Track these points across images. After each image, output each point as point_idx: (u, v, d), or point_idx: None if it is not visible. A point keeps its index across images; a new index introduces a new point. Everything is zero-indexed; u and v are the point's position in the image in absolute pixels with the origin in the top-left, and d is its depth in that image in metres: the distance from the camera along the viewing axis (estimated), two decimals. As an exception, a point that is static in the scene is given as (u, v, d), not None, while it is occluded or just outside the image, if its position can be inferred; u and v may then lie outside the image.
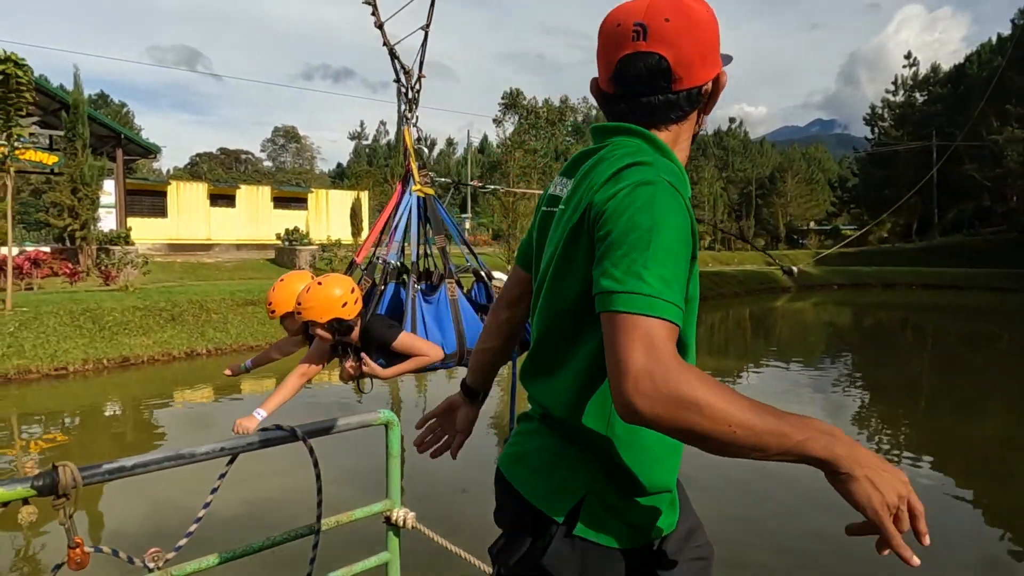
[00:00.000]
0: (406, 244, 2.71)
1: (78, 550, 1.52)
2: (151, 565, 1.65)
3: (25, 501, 1.48)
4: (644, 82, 1.11)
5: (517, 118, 58.67)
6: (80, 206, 18.04)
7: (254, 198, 31.57)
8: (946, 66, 50.41)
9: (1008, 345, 16.89)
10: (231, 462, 1.81)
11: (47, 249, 18.35)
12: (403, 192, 2.72)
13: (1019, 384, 11.41)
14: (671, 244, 0.93)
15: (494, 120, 61.03)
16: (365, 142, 75.96)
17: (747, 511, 5.46)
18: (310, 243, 25.89)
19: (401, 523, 2.05)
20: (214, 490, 1.78)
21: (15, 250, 15.40)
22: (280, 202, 32.48)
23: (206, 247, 28.10)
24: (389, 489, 2.09)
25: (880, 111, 53.50)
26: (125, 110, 62.31)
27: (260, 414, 2.44)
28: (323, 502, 1.87)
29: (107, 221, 20.85)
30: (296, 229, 26.78)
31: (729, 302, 26.93)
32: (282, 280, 2.64)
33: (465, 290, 2.71)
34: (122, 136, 22.04)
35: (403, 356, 2.40)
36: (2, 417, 8.99)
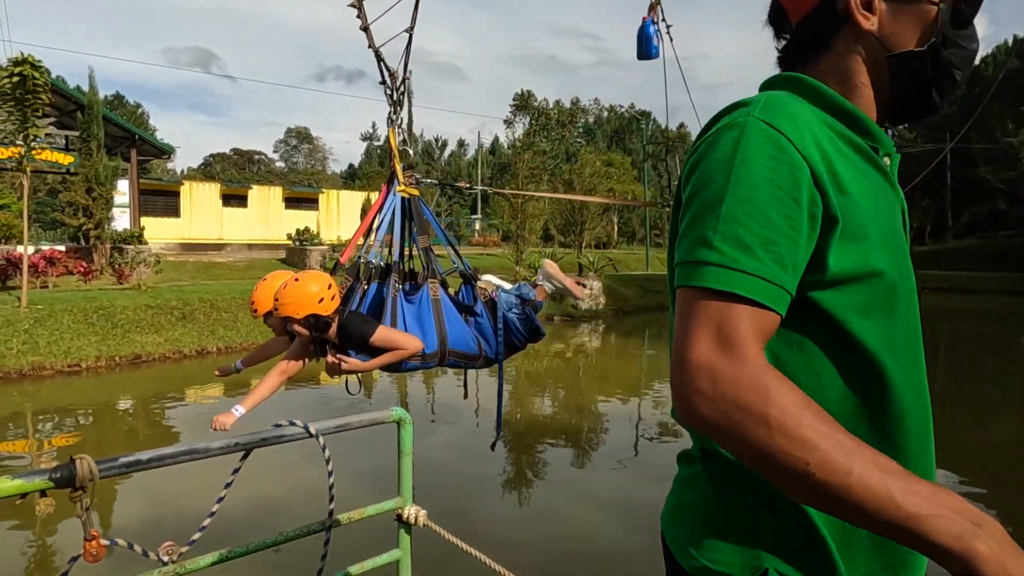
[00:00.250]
0: (390, 244, 2.73)
1: (94, 542, 1.53)
2: (165, 559, 1.67)
3: (43, 493, 1.50)
4: (774, 23, 0.96)
5: (528, 119, 58.80)
6: (94, 206, 18.22)
7: (266, 198, 31.78)
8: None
9: (1024, 350, 16.68)
10: (244, 457, 1.82)
11: (62, 248, 18.54)
12: (388, 193, 2.74)
13: (1035, 389, 11.26)
14: (756, 196, 0.71)
15: (505, 121, 61.15)
16: (376, 143, 76.23)
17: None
18: (321, 243, 26.00)
19: (412, 520, 2.05)
20: (228, 485, 1.79)
21: (31, 249, 15.59)
22: (291, 202, 32.68)
23: (218, 247, 28.31)
24: (401, 486, 2.10)
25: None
26: (140, 111, 62.96)
27: (238, 411, 2.45)
28: (334, 499, 1.88)
29: (121, 220, 21.04)
30: (307, 229, 26.92)
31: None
32: (264, 280, 2.66)
33: (453, 291, 2.72)
34: (136, 136, 22.24)
35: (383, 351, 2.41)
36: (17, 412, 9.10)
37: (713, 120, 0.83)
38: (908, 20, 0.85)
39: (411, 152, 2.81)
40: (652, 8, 3.92)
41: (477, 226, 44.18)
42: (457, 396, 10.26)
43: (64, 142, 20.62)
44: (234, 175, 59.25)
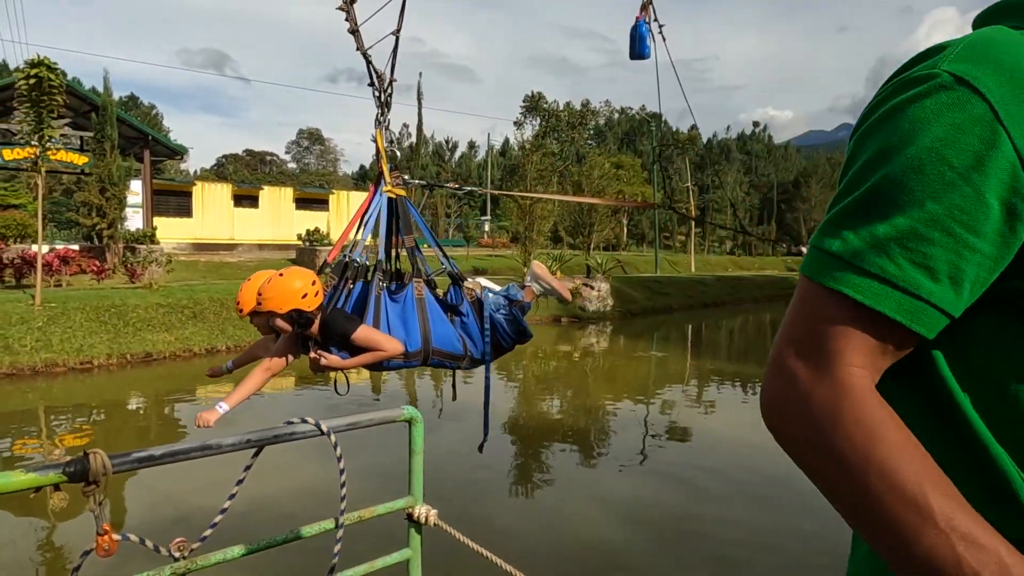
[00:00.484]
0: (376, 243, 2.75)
1: (106, 537, 1.54)
2: (176, 555, 1.67)
3: (56, 487, 1.50)
4: None
5: (538, 121, 58.86)
6: (108, 205, 18.40)
7: (277, 199, 31.97)
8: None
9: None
10: (256, 454, 1.82)
11: (76, 247, 18.73)
12: (375, 193, 2.76)
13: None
14: (913, 179, 0.55)
15: (515, 123, 61.26)
16: (387, 144, 76.47)
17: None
18: (331, 244, 26.13)
19: (423, 520, 2.04)
20: (240, 481, 1.79)
21: (46, 248, 15.76)
22: (302, 203, 32.86)
23: (229, 247, 28.50)
24: (412, 486, 2.09)
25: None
26: (155, 112, 63.57)
27: (222, 407, 2.46)
28: (341, 498, 1.87)
29: (134, 220, 21.23)
30: (317, 230, 27.05)
31: (748, 308, 26.64)
32: (249, 279, 2.67)
33: (442, 292, 2.73)
34: (149, 137, 22.44)
35: (364, 350, 2.42)
36: (30, 409, 9.19)
37: (901, 69, 0.62)
38: None
39: (398, 153, 2.85)
40: (644, 8, 3.91)
41: (487, 227, 44.23)
42: (465, 396, 10.26)
43: (79, 143, 20.85)
44: (246, 176, 59.67)
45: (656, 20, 3.93)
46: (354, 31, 2.62)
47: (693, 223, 45.00)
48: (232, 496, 1.78)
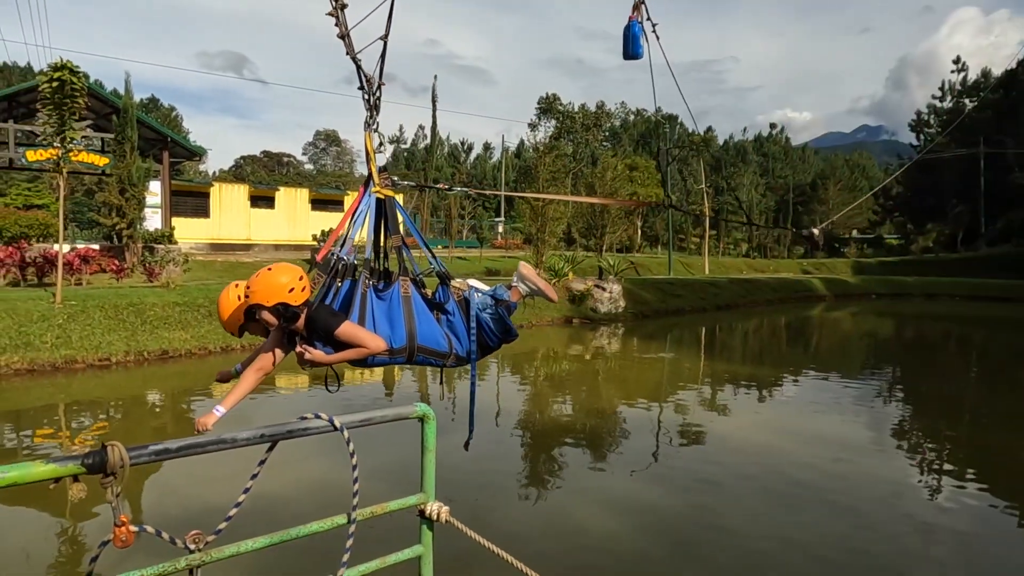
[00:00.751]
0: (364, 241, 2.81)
1: (124, 528, 1.56)
2: (192, 547, 1.69)
3: (75, 478, 1.53)
4: None
5: (553, 123, 58.79)
6: (127, 206, 18.66)
7: (293, 200, 32.24)
8: (998, 71, 48.67)
9: (1062, 361, 16.14)
10: (271, 449, 1.84)
11: (96, 247, 19.01)
12: (364, 193, 2.81)
13: (1074, 402, 10.89)
14: None
15: (529, 125, 61.24)
16: (403, 146, 76.90)
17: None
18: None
19: (435, 517, 2.05)
20: (254, 476, 1.81)
21: (67, 247, 16.01)
22: (318, 204, 33.11)
23: (246, 247, 28.79)
24: (424, 482, 2.10)
25: (926, 117, 51.92)
26: (174, 114, 64.35)
27: (219, 411, 2.49)
28: (354, 494, 1.88)
29: (153, 220, 21.52)
30: (331, 230, 27.26)
31: (762, 310, 26.40)
32: (236, 285, 2.75)
33: (430, 291, 2.77)
34: (168, 139, 22.73)
35: (348, 345, 2.45)
36: (50, 405, 9.34)
37: None
38: None
39: (387, 155, 2.88)
40: (636, 7, 3.88)
41: (500, 229, 44.26)
42: (477, 397, 10.26)
43: (100, 144, 21.18)
44: (263, 177, 60.23)
45: (649, 19, 3.90)
46: (343, 36, 2.64)
47: (707, 225, 44.68)
48: (247, 490, 1.80)
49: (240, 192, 31.13)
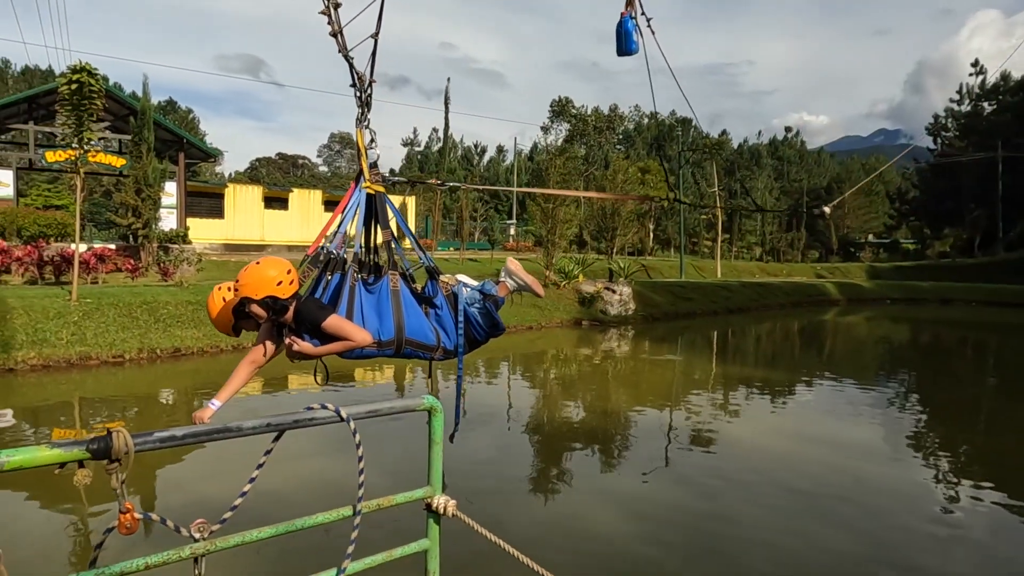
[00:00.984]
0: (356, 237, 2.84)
1: (128, 515, 1.55)
2: (197, 535, 1.68)
3: (80, 464, 1.53)
4: None
5: (566, 126, 58.79)
6: (143, 206, 18.86)
7: (306, 201, 32.45)
8: (1018, 74, 47.96)
9: (1083, 368, 15.83)
10: (277, 439, 1.82)
11: (112, 246, 19.23)
12: (355, 189, 2.85)
13: (1096, 409, 10.66)
14: None
15: (542, 128, 61.28)
16: (417, 148, 77.20)
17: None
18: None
19: (442, 510, 2.03)
20: (260, 466, 1.80)
21: (83, 247, 16.20)
22: (331, 206, 33.26)
23: (260, 247, 28.99)
24: (431, 476, 2.08)
25: (944, 121, 51.30)
26: (191, 116, 65.06)
27: (215, 404, 2.53)
28: (359, 486, 1.87)
29: (168, 221, 21.72)
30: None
31: (774, 314, 26.16)
32: (219, 288, 2.80)
33: (420, 286, 2.82)
34: (184, 141, 22.98)
35: (336, 338, 2.48)
36: (65, 401, 9.45)
37: None
38: None
39: (378, 152, 2.97)
40: (629, 3, 3.82)
41: (512, 231, 44.25)
42: (485, 399, 10.25)
43: (118, 145, 21.45)
44: (278, 179, 60.72)
45: (643, 14, 3.84)
46: (335, 34, 2.66)
47: (719, 228, 44.41)
48: (252, 480, 1.79)
49: (254, 193, 31.39)
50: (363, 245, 2.79)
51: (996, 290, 32.80)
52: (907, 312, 29.00)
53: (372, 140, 2.90)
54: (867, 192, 63.24)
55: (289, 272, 2.47)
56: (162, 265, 17.00)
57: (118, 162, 20.74)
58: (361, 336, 2.47)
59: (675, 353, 16.52)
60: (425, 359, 2.75)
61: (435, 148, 72.10)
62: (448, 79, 66.47)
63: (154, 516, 1.69)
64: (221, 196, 30.16)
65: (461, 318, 2.76)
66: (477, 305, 2.82)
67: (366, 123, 2.86)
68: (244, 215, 30.31)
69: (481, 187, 5.81)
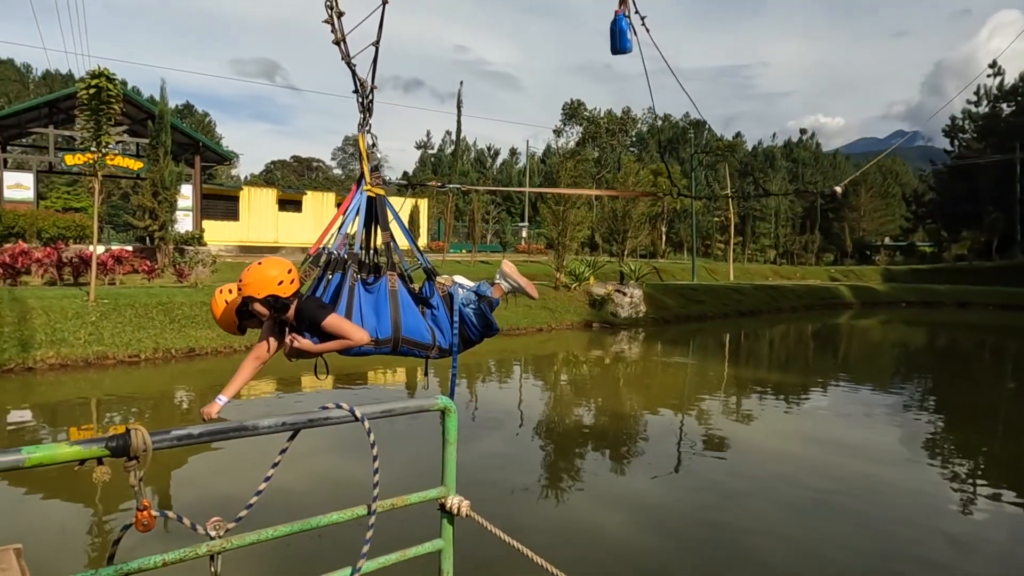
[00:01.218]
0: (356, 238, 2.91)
1: (145, 512, 1.57)
2: (212, 533, 1.69)
3: (100, 461, 1.54)
4: None
5: (579, 129, 58.75)
6: (159, 208, 19.11)
7: (319, 204, 32.69)
8: (1037, 75, 47.21)
9: (1106, 373, 15.53)
10: (292, 438, 1.83)
11: (130, 248, 19.48)
12: (356, 192, 2.93)
13: (1119, 415, 10.46)
14: None
15: (554, 130, 61.26)
16: (431, 151, 77.48)
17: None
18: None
19: (455, 511, 2.03)
20: (275, 464, 1.81)
21: (101, 248, 16.41)
22: (343, 208, 33.50)
23: (274, 250, 29.21)
24: (445, 476, 2.08)
25: (961, 122, 50.64)
26: (208, 119, 65.77)
27: (221, 400, 2.60)
28: (374, 485, 1.87)
29: (184, 223, 21.98)
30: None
31: (786, 317, 25.94)
32: (220, 291, 2.90)
33: (417, 287, 2.90)
34: (200, 144, 23.25)
35: (335, 336, 2.56)
36: (83, 400, 9.57)
37: None
38: None
39: (379, 155, 3.02)
40: (623, 1, 3.81)
41: (524, 234, 44.24)
42: (497, 402, 10.25)
43: (135, 149, 21.75)
44: (293, 181, 61.16)
45: (637, 12, 3.83)
46: (338, 42, 2.72)
47: (732, 231, 44.13)
48: (268, 478, 1.80)
49: (268, 196, 31.67)
50: (363, 246, 2.88)
51: (1014, 293, 32.30)
52: (923, 316, 28.64)
53: (373, 144, 2.98)
54: (883, 194, 62.52)
55: (290, 272, 2.56)
56: (177, 267, 17.19)
57: (136, 165, 21.03)
58: (359, 335, 2.55)
59: (686, 356, 16.43)
60: (421, 357, 2.83)
61: (448, 151, 72.37)
62: (461, 83, 66.82)
63: (171, 514, 1.70)
64: (236, 199, 30.46)
65: (456, 318, 2.83)
66: (472, 306, 2.89)
67: (367, 128, 2.94)
68: (258, 217, 30.59)
69: (481, 188, 5.87)
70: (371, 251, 2.94)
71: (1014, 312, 29.31)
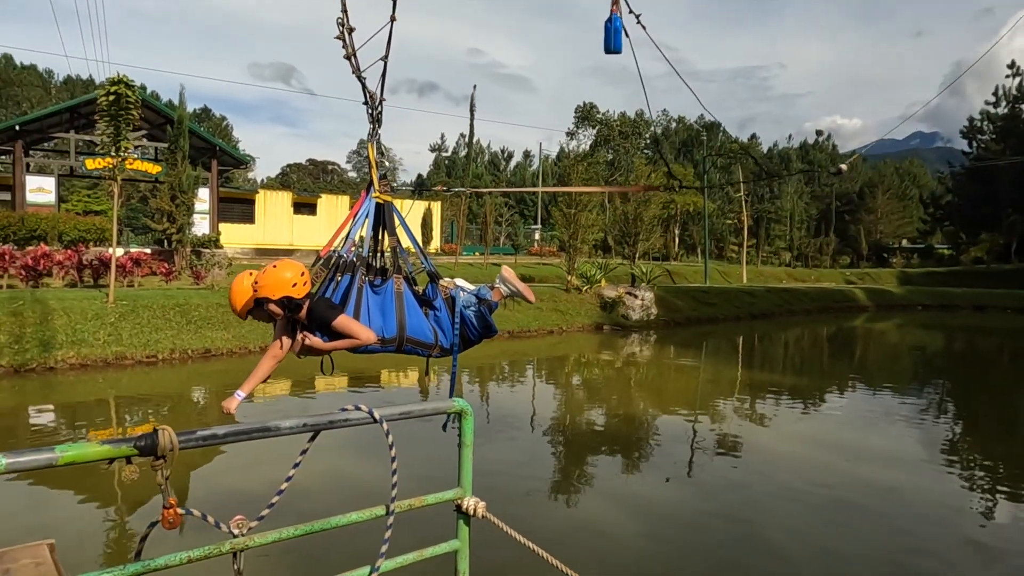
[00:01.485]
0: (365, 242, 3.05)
1: (171, 510, 1.61)
2: (235, 531, 1.73)
3: (128, 460, 1.59)
4: None
5: (592, 131, 58.65)
6: (177, 212, 19.37)
7: (334, 207, 32.94)
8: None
9: None
10: (313, 438, 1.87)
11: (148, 250, 19.75)
12: (365, 198, 3.05)
13: None
14: None
15: (568, 133, 61.21)
16: (445, 154, 77.77)
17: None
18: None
19: (471, 512, 2.06)
20: (296, 465, 1.85)
21: (120, 251, 16.66)
22: (357, 211, 33.72)
23: (289, 252, 29.49)
24: (461, 478, 2.11)
25: (980, 124, 49.93)
26: (225, 123, 66.45)
27: (240, 395, 2.74)
28: (392, 486, 1.90)
29: (201, 226, 22.25)
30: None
31: (800, 320, 25.72)
32: (249, 274, 2.98)
33: (421, 289, 3.02)
34: (217, 148, 23.53)
35: (344, 336, 2.69)
36: (102, 399, 9.73)
37: None
38: None
39: (387, 163, 3.15)
40: (616, 1, 3.82)
41: (537, 236, 44.25)
42: (512, 404, 10.27)
43: (154, 153, 22.06)
44: (308, 184, 61.59)
45: (631, 12, 3.84)
46: (349, 57, 2.82)
47: (746, 234, 43.81)
48: (289, 478, 1.84)
49: (284, 199, 31.97)
50: (371, 250, 3.01)
51: (1034, 297, 31.80)
52: (939, 319, 28.27)
53: (381, 153, 3.09)
54: (900, 196, 61.78)
55: (303, 274, 2.68)
56: (194, 269, 17.40)
57: (154, 169, 21.33)
58: (366, 335, 2.67)
59: (698, 358, 16.35)
60: (423, 356, 2.94)
61: (462, 154, 72.56)
62: (475, 86, 67.02)
63: (195, 512, 1.74)
64: (252, 202, 30.79)
65: (457, 319, 2.95)
66: (473, 308, 2.99)
67: (377, 137, 3.05)
68: (274, 220, 30.90)
69: (484, 189, 5.91)
70: (378, 255, 3.06)
71: (1034, 316, 28.85)
